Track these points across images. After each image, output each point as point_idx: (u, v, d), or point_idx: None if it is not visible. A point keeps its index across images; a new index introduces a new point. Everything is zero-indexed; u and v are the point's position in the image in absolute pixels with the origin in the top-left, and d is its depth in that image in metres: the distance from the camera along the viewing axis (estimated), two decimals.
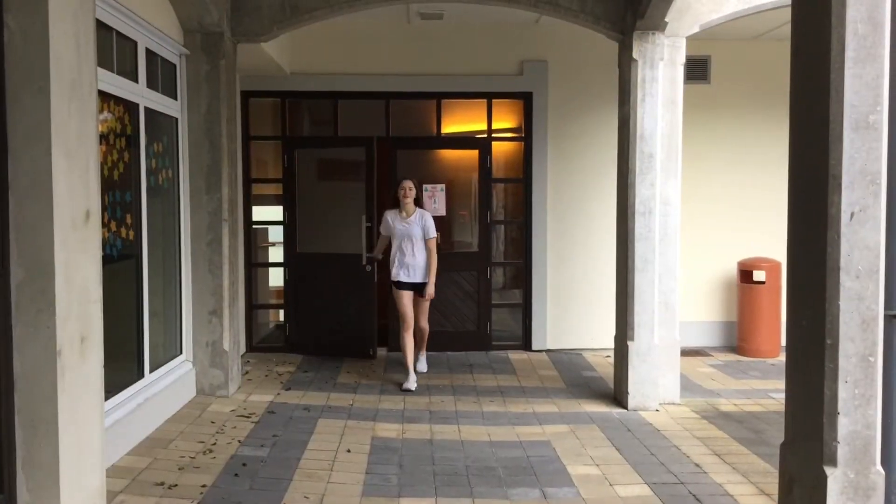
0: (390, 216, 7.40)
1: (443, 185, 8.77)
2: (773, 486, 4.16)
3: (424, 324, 7.69)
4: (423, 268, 7.33)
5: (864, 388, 3.28)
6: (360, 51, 8.64)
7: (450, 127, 9.08)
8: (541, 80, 8.76)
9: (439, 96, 8.80)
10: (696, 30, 6.62)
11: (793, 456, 3.52)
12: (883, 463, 3.36)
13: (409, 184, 7.32)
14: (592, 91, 8.72)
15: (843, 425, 3.27)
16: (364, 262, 7.72)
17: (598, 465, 5.13)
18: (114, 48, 5.34)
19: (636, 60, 6.35)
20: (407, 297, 7.39)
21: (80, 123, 3.88)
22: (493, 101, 8.91)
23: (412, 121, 9.13)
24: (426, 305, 7.58)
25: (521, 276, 9.09)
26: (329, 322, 8.56)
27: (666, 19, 6.20)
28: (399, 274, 7.36)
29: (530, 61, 8.76)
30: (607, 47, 7.03)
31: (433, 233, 7.31)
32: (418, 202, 7.38)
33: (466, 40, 8.69)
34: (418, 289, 7.41)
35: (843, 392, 3.27)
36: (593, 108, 8.76)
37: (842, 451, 3.27)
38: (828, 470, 3.28)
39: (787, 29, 3.64)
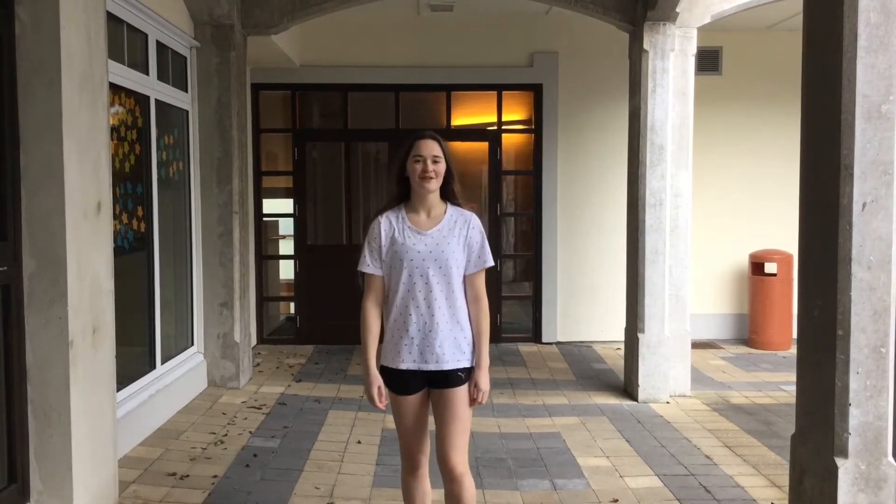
0: (390, 224, 3.30)
1: None
2: (784, 478, 4.15)
3: (461, 462, 3.30)
4: (458, 339, 3.25)
5: (876, 380, 3.26)
6: (369, 43, 8.63)
7: (460, 119, 9.07)
8: (551, 71, 8.72)
9: (449, 88, 8.78)
10: (707, 20, 6.57)
11: (804, 447, 3.51)
12: (895, 454, 3.34)
13: (433, 147, 3.25)
14: (603, 82, 8.68)
15: (855, 416, 3.26)
16: (375, 398, 3.30)
17: (608, 457, 5.12)
18: (124, 40, 5.36)
19: (647, 51, 6.31)
20: (412, 408, 3.31)
21: (91, 115, 3.90)
22: (504, 92, 8.89)
23: (422, 113, 9.12)
24: (466, 417, 3.30)
25: (531, 269, 9.08)
26: (343, 312, 8.59)
27: (677, 9, 6.17)
28: (401, 353, 3.24)
29: (541, 53, 8.73)
30: (618, 38, 7.00)
31: (490, 258, 3.33)
32: (448, 191, 3.34)
33: (476, 32, 8.66)
34: (443, 383, 3.25)
35: (855, 383, 3.25)
36: (604, 99, 8.72)
37: (853, 443, 3.26)
38: (839, 461, 3.27)
39: (800, 19, 3.61)
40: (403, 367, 3.23)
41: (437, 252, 3.21)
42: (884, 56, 3.20)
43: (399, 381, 3.28)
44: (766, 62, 8.77)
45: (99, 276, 3.99)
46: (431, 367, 3.22)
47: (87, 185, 3.86)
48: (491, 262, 3.31)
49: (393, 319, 3.27)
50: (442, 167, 3.25)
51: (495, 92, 8.85)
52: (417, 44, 8.69)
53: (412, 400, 3.31)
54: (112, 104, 4.94)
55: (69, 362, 3.69)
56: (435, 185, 3.25)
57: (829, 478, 3.29)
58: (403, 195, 3.35)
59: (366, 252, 3.32)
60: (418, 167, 3.23)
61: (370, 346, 3.30)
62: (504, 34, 8.69)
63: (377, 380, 3.28)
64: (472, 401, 3.27)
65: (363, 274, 3.33)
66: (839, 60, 3.23)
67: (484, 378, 3.28)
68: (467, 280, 3.28)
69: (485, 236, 3.33)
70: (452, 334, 3.23)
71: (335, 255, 8.96)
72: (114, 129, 5.09)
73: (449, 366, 3.22)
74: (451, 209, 3.31)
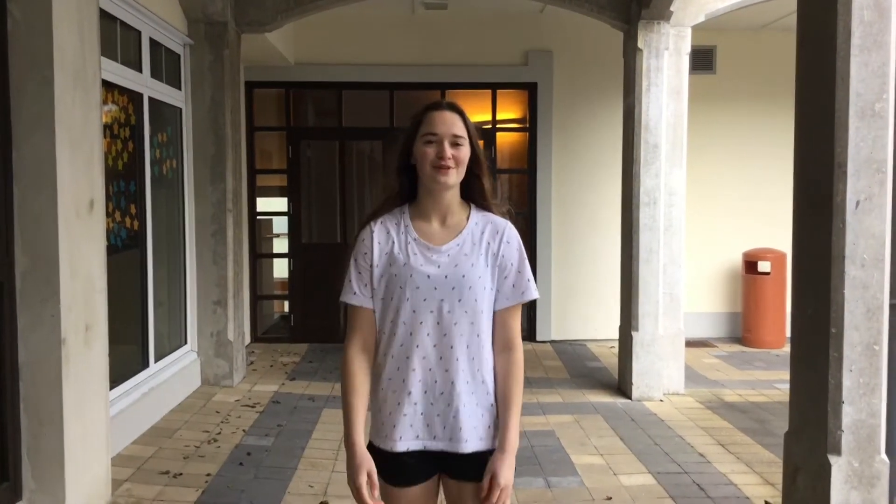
0: (387, 234, 2.27)
1: None
2: (778, 476, 4.15)
3: None
4: (481, 405, 2.25)
5: (869, 377, 3.27)
6: (364, 41, 8.62)
7: None
8: (546, 70, 8.72)
9: (444, 87, 8.76)
10: (701, 19, 6.58)
11: (797, 445, 3.52)
12: (887, 452, 3.36)
13: (453, 123, 2.28)
14: (597, 81, 8.68)
15: (848, 414, 3.27)
16: (363, 491, 2.16)
17: (602, 455, 5.13)
18: (118, 38, 5.34)
19: (641, 50, 6.32)
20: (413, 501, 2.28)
21: (83, 112, 3.89)
22: (498, 91, 8.88)
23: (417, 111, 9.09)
24: None
25: None
26: (337, 310, 8.59)
27: (671, 8, 6.18)
28: (397, 427, 2.23)
29: (535, 51, 8.72)
30: (612, 37, 7.00)
31: (533, 289, 2.28)
32: (474, 189, 2.32)
33: (471, 30, 8.66)
34: (462, 472, 2.26)
35: (848, 381, 3.26)
36: (598, 98, 8.73)
37: (846, 440, 3.27)
38: (832, 459, 3.28)
39: (794, 19, 3.62)
40: (402, 447, 2.21)
41: (454, 276, 2.20)
42: (877, 54, 3.21)
43: (395, 468, 2.23)
44: (760, 61, 8.79)
45: (92, 273, 3.98)
46: (442, 444, 2.21)
47: (79, 182, 3.85)
48: (533, 294, 2.26)
49: (388, 376, 2.23)
50: (465, 153, 2.24)
51: (490, 90, 8.84)
52: (412, 42, 8.68)
53: (415, 494, 2.27)
54: (105, 101, 4.93)
55: (62, 360, 3.68)
56: (454, 178, 2.22)
57: (823, 475, 3.30)
58: (408, 192, 2.32)
59: (351, 274, 2.27)
60: (430, 151, 2.21)
61: (355, 413, 2.25)
62: (498, 32, 8.68)
63: (366, 463, 2.19)
64: (485, 499, 2.19)
65: (346, 305, 2.30)
66: (833, 59, 3.24)
67: (506, 467, 2.22)
68: (497, 318, 2.26)
69: (524, 255, 2.29)
70: (475, 398, 2.22)
71: (330, 254, 8.93)
72: (107, 127, 5.07)
73: (469, 445, 2.21)
74: (475, 214, 2.30)
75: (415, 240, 2.24)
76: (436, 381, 2.20)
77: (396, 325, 2.21)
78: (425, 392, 2.21)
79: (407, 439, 2.21)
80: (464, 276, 2.20)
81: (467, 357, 2.21)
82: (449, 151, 2.20)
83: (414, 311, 2.20)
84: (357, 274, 2.27)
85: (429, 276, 2.20)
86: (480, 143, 2.31)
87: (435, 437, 2.21)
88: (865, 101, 3.21)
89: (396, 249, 2.23)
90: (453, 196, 2.27)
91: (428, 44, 8.67)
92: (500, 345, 2.27)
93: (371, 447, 2.27)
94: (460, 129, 2.25)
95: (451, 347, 2.20)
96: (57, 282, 3.65)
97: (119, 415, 4.96)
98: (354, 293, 2.26)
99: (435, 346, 2.20)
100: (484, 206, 2.32)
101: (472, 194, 2.31)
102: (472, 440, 2.21)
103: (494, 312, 2.26)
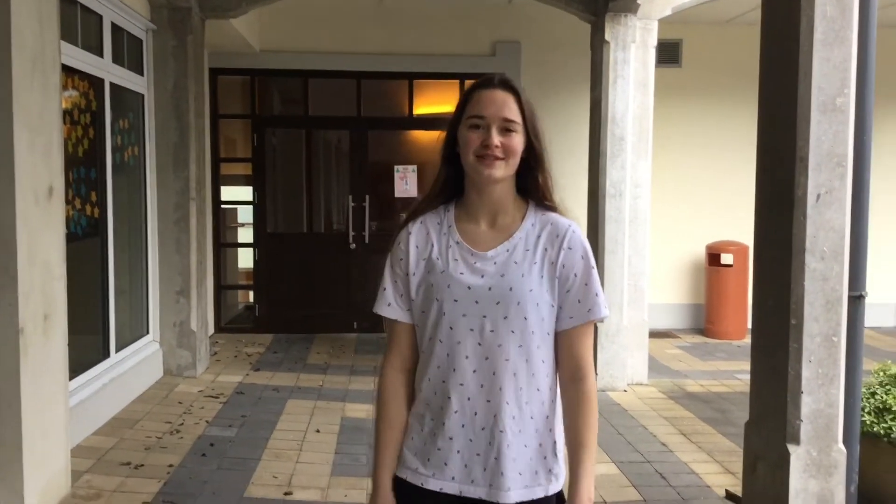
0: (426, 237, 1.93)
1: (415, 167, 8.71)
2: (738, 465, 4.21)
3: None
4: (530, 446, 1.88)
5: (828, 368, 3.33)
6: (331, 29, 8.54)
7: (422, 108, 9.03)
8: (513, 61, 8.71)
9: (411, 76, 8.73)
10: (668, 12, 6.63)
11: (757, 435, 3.57)
12: (845, 441, 3.42)
13: (504, 104, 1.88)
14: (565, 73, 8.70)
15: (807, 404, 3.32)
16: None
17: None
18: (78, 22, 5.23)
19: (608, 42, 6.34)
20: None
21: (42, 98, 3.81)
22: (466, 82, 8.83)
23: (384, 101, 9.06)
24: None
25: None
26: (303, 301, 8.56)
27: (638, 1, 6.20)
28: (430, 461, 1.88)
29: (503, 42, 8.72)
30: (580, 29, 7.02)
31: (603, 305, 1.88)
32: (530, 184, 1.94)
33: (439, 20, 8.63)
34: None
35: (807, 371, 3.32)
36: (566, 90, 8.74)
37: (805, 430, 3.33)
38: (791, 448, 3.33)
39: (758, 13, 3.66)
40: (434, 485, 1.88)
41: (500, 289, 1.84)
42: (839, 49, 3.25)
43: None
44: (725, 55, 8.87)
45: (50, 262, 3.91)
46: (481, 491, 1.85)
47: (38, 168, 3.77)
48: (603, 312, 1.88)
49: (424, 401, 1.91)
50: (518, 141, 1.87)
51: (458, 80, 8.82)
52: (379, 31, 8.62)
53: None
54: (65, 87, 4.83)
55: (19, 350, 3.61)
56: (502, 171, 1.86)
57: (782, 464, 3.36)
58: (454, 187, 1.98)
59: (387, 282, 1.95)
60: (475, 138, 1.86)
61: (384, 449, 1.94)
62: (466, 23, 8.66)
63: None
64: None
65: (384, 318, 1.97)
66: (796, 53, 3.28)
67: None
68: (561, 341, 1.90)
69: (592, 264, 1.90)
70: (522, 438, 1.86)
71: (296, 244, 8.88)
72: (67, 113, 4.97)
73: (512, 495, 1.84)
74: (532, 214, 1.93)
75: (457, 243, 1.89)
76: (476, 414, 1.85)
77: (434, 343, 1.87)
78: (463, 426, 1.85)
79: (441, 479, 1.86)
80: (511, 289, 1.83)
81: (514, 386, 1.84)
82: (497, 139, 1.83)
83: (451, 329, 1.85)
84: (393, 283, 1.93)
85: (469, 288, 1.84)
86: (541, 129, 1.94)
87: (473, 480, 1.85)
88: (827, 95, 3.26)
89: (435, 254, 1.89)
90: (504, 191, 1.90)
91: (395, 33, 8.62)
92: (567, 374, 1.89)
93: (398, 483, 1.92)
94: (513, 113, 1.87)
95: (494, 374, 1.83)
96: (14, 269, 3.57)
97: (79, 405, 4.88)
98: (389, 304, 1.93)
99: (475, 371, 1.84)
100: (545, 205, 1.94)
101: (531, 191, 1.94)
102: (515, 488, 1.83)
103: (557, 334, 1.89)
